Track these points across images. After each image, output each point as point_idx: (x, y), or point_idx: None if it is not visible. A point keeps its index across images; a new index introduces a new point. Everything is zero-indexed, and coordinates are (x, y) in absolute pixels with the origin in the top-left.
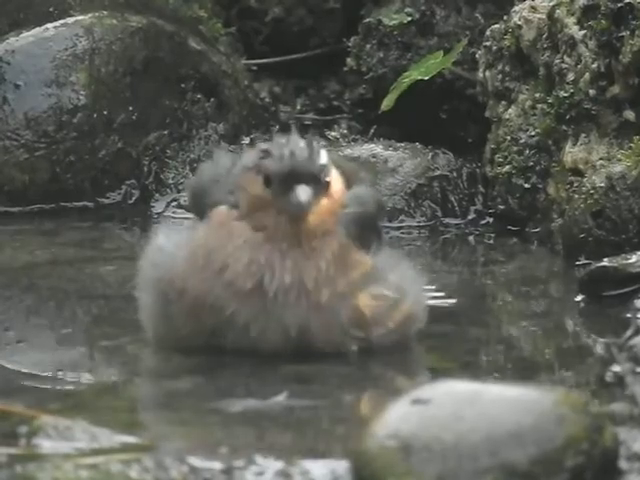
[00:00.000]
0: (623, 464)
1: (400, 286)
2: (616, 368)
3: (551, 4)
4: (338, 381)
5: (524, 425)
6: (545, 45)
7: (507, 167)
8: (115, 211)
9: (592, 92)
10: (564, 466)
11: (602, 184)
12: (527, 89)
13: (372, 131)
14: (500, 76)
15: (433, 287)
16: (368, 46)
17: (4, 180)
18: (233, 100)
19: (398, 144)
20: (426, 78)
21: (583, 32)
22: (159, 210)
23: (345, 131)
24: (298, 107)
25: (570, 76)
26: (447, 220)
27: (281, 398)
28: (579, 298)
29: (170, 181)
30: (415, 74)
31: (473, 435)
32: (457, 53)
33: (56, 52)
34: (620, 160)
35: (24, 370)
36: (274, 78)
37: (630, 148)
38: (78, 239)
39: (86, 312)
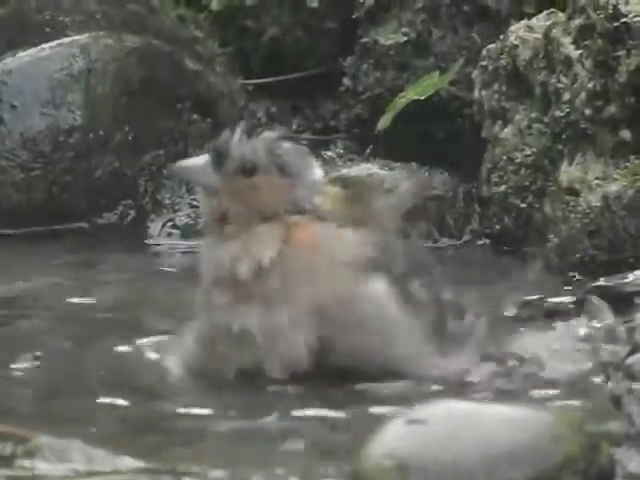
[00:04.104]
0: None
1: None
2: (613, 387)
3: (547, 24)
4: (333, 401)
5: (520, 444)
6: (541, 65)
7: (503, 187)
8: (111, 231)
9: (588, 112)
10: None
11: (598, 203)
12: (523, 109)
13: (368, 151)
14: (496, 96)
15: None
16: (364, 66)
17: (0, 200)
18: (229, 120)
19: (394, 164)
20: (422, 98)
21: (579, 52)
22: (155, 232)
23: (341, 151)
24: (294, 127)
25: (566, 96)
26: (443, 240)
27: (276, 418)
28: (575, 317)
29: (166, 201)
30: (411, 94)
31: (469, 455)
32: (453, 73)
33: (52, 72)
34: (616, 180)
35: (21, 391)
36: (270, 98)
37: (626, 167)
38: (74, 260)
39: (81, 335)
